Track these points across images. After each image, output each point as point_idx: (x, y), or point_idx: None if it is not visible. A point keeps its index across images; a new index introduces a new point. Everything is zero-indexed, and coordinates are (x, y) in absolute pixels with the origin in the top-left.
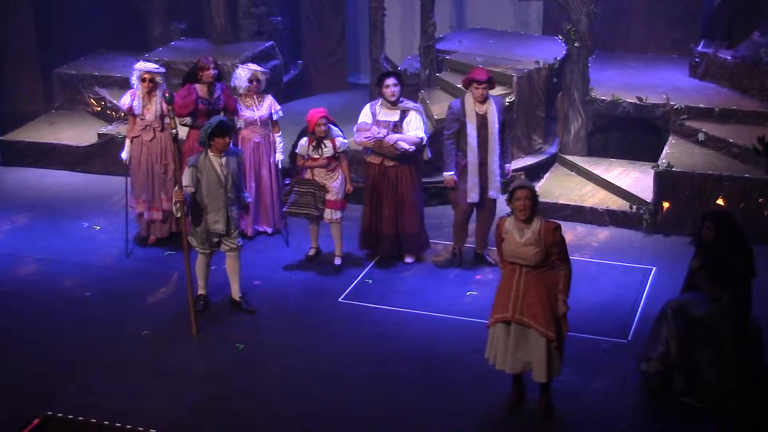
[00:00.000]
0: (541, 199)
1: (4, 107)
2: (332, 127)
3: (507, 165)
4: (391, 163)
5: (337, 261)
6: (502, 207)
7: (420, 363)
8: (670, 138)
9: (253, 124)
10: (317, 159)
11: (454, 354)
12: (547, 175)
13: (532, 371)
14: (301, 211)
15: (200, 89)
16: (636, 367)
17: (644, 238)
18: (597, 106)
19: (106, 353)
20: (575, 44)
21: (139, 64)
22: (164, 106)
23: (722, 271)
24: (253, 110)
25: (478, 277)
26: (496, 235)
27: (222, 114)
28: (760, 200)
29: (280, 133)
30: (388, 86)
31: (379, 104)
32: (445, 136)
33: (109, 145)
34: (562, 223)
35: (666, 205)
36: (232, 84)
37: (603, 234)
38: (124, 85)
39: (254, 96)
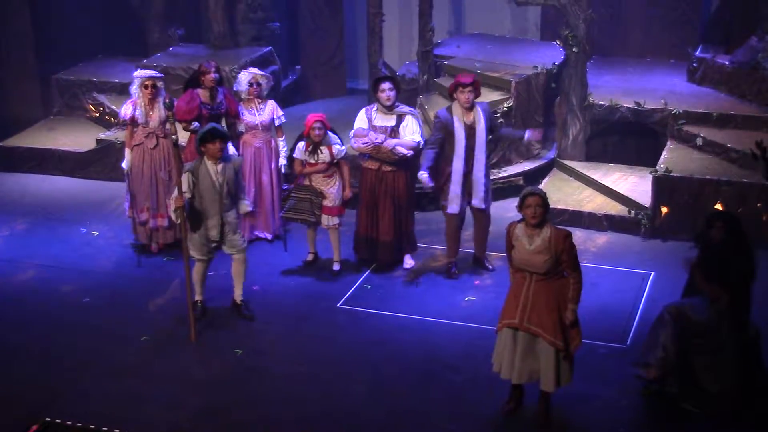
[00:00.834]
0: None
1: (2, 113)
2: (330, 133)
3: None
4: (389, 168)
5: (336, 266)
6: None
7: (418, 368)
8: (669, 143)
9: (254, 128)
10: (314, 165)
11: (452, 359)
12: (545, 180)
13: (540, 380)
14: (298, 217)
15: (203, 94)
16: (634, 375)
17: (642, 243)
18: (595, 111)
19: (105, 359)
20: (573, 49)
21: (138, 72)
22: (165, 111)
23: (725, 272)
24: (254, 115)
25: (476, 282)
26: (506, 241)
27: (225, 118)
28: (758, 205)
29: (283, 138)
30: (383, 90)
31: (374, 109)
32: (429, 141)
33: (107, 151)
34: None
35: (664, 210)
36: (234, 89)
37: (601, 239)
38: (123, 90)
39: (255, 100)
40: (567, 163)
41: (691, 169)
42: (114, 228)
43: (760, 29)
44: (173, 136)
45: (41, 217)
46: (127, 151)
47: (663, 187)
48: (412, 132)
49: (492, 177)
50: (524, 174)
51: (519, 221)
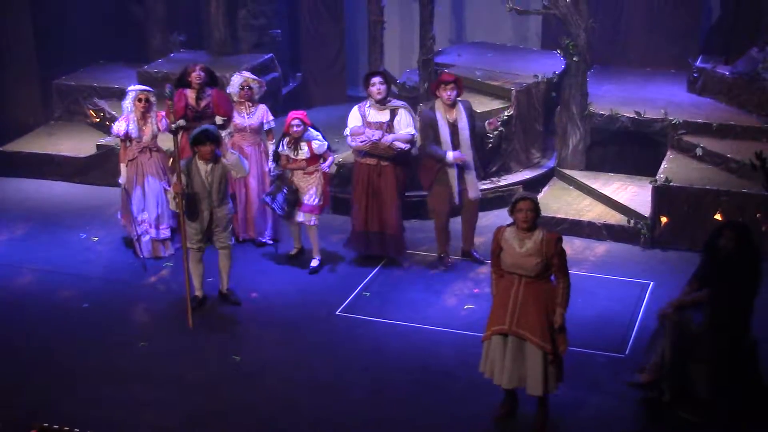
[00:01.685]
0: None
1: (3, 118)
2: (311, 129)
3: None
4: (386, 163)
5: (314, 263)
6: (498, 222)
7: (417, 376)
8: (668, 153)
9: (242, 131)
10: (295, 161)
11: (451, 367)
12: (545, 189)
13: (527, 385)
14: (271, 206)
15: (190, 95)
16: (626, 382)
17: (642, 253)
18: (595, 120)
19: (103, 364)
20: (574, 58)
21: (131, 87)
22: (159, 125)
23: (730, 281)
24: (244, 118)
25: (475, 290)
26: (492, 244)
27: (213, 119)
28: (757, 215)
29: (273, 142)
30: (374, 84)
31: (367, 106)
32: (424, 143)
33: (107, 157)
34: None
35: (664, 219)
36: (227, 90)
37: (601, 248)
38: (123, 96)
39: (246, 103)
40: (567, 172)
41: (691, 179)
42: (113, 233)
43: (760, 40)
44: (172, 125)
45: (41, 222)
46: (122, 167)
47: (663, 196)
48: (406, 125)
49: (492, 185)
50: (524, 183)
51: (508, 225)
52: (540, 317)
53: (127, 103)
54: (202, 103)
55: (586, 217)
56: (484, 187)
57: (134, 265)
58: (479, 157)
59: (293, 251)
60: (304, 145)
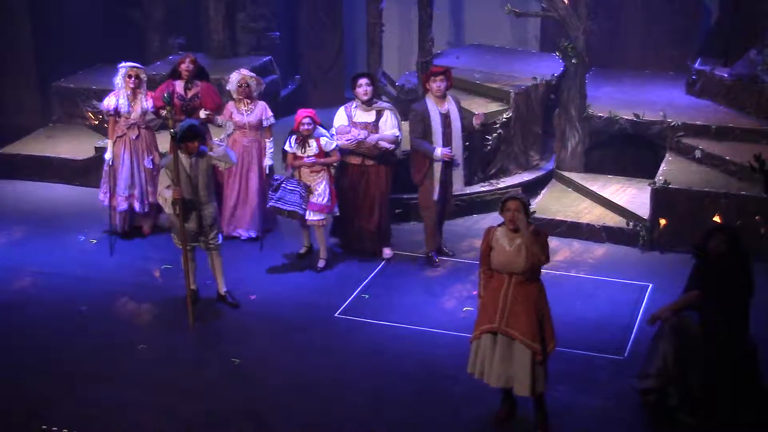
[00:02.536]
0: (537, 215)
1: (1, 120)
2: (319, 128)
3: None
4: (371, 163)
5: (321, 263)
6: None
7: (416, 378)
8: (667, 155)
9: (242, 127)
10: (302, 158)
11: (450, 370)
12: (544, 191)
13: (515, 385)
14: (286, 209)
15: (179, 85)
16: (631, 387)
17: (641, 255)
18: (594, 122)
19: (102, 367)
20: (572, 61)
21: (123, 63)
22: (149, 102)
23: (721, 284)
24: (243, 115)
25: (474, 293)
26: (482, 243)
27: (201, 110)
28: (756, 217)
29: (271, 139)
30: (360, 86)
31: (354, 106)
32: (413, 136)
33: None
34: (558, 239)
35: (663, 222)
36: (227, 88)
37: (599, 250)
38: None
39: (245, 101)
40: (566, 174)
41: (690, 181)
42: (111, 236)
43: (758, 42)
44: (171, 131)
45: (39, 225)
46: (109, 143)
47: (661, 199)
48: (391, 126)
49: (490, 188)
50: (523, 185)
51: (499, 225)
52: (529, 317)
53: (118, 79)
54: (190, 93)
55: (584, 219)
56: (483, 189)
57: (132, 266)
58: (478, 158)
59: (302, 250)
60: (312, 142)
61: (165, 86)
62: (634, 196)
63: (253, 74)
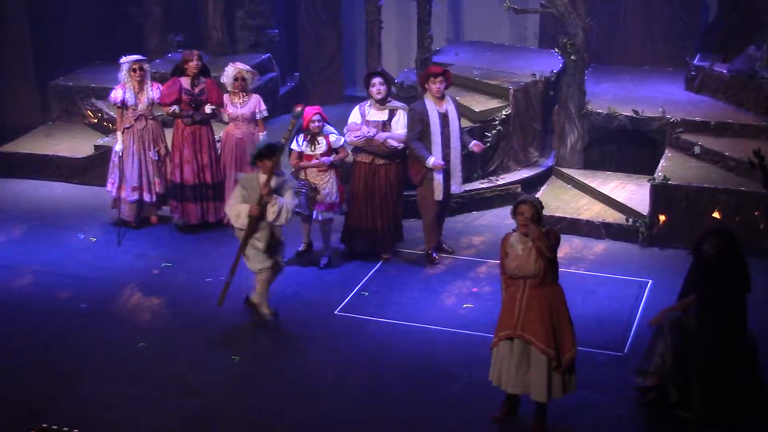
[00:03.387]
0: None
1: (0, 119)
2: (327, 125)
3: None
4: (381, 162)
5: (323, 260)
6: (496, 221)
7: (416, 376)
8: (666, 151)
9: (235, 119)
10: (310, 157)
11: (450, 367)
12: (543, 187)
13: (531, 391)
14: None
15: (185, 81)
16: (634, 385)
17: (640, 251)
18: (593, 119)
19: (102, 365)
20: (572, 57)
21: (124, 58)
22: (155, 93)
23: (717, 285)
24: (237, 107)
25: (474, 289)
26: (500, 251)
27: (208, 104)
28: (755, 213)
29: (264, 132)
30: (374, 85)
31: (368, 105)
32: (410, 137)
33: (105, 157)
34: None
35: (662, 218)
36: (221, 80)
37: (599, 247)
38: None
39: (240, 93)
40: (565, 170)
41: (689, 177)
42: (111, 234)
43: (757, 38)
44: (285, 141)
45: (39, 223)
46: (118, 134)
47: (661, 195)
48: (403, 126)
49: (490, 184)
50: (522, 182)
51: (514, 230)
52: (544, 322)
53: (123, 74)
54: (197, 89)
55: (584, 216)
56: (482, 185)
57: (132, 264)
58: (477, 155)
59: (302, 247)
60: (321, 140)
61: (171, 83)
62: (633, 193)
63: (248, 67)
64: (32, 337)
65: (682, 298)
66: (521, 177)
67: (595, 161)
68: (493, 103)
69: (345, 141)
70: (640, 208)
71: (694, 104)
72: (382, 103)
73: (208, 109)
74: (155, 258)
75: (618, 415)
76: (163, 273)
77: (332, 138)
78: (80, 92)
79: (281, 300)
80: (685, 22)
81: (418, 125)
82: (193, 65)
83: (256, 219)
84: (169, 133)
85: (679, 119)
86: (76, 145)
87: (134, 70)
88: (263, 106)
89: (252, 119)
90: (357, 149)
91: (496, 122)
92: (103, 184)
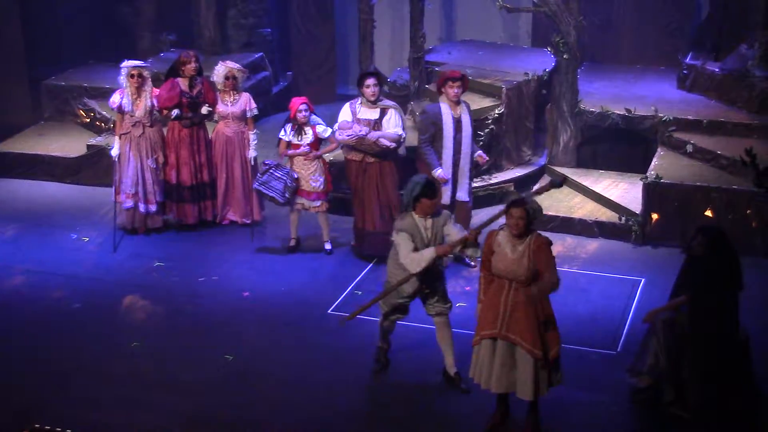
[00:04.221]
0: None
1: None
2: (314, 115)
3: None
4: (371, 160)
5: (327, 246)
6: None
7: (408, 375)
8: (659, 150)
9: (226, 118)
10: (297, 146)
11: (442, 365)
12: (536, 186)
13: (517, 389)
14: (268, 194)
15: (182, 83)
16: (628, 384)
17: (633, 250)
18: (586, 117)
19: (95, 365)
20: (564, 56)
21: (124, 63)
22: (154, 101)
23: (707, 282)
24: (228, 105)
25: (467, 288)
26: (484, 246)
27: (205, 105)
28: (747, 212)
29: (254, 130)
30: (368, 86)
31: (359, 103)
32: (422, 140)
33: (98, 157)
34: (551, 234)
35: (655, 216)
36: (211, 78)
37: (592, 245)
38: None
39: (231, 92)
40: (558, 169)
41: (682, 175)
42: (104, 234)
43: (749, 37)
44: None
45: (31, 223)
46: (116, 139)
47: (653, 193)
48: (394, 125)
49: (483, 183)
50: (515, 180)
51: (501, 228)
52: (530, 322)
53: (122, 78)
54: (195, 91)
55: (577, 215)
56: (475, 185)
57: (125, 264)
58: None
59: (292, 243)
60: (308, 130)
61: (170, 87)
62: (626, 191)
63: (239, 66)
64: (25, 337)
65: (675, 297)
66: (514, 176)
67: (588, 160)
68: (486, 102)
69: (336, 138)
70: (632, 206)
71: (687, 103)
72: (374, 102)
73: (204, 110)
74: (148, 258)
75: (611, 413)
76: (157, 272)
77: (319, 128)
78: (72, 91)
79: (275, 298)
80: (678, 20)
81: (431, 128)
82: (191, 67)
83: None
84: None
85: (671, 118)
86: (68, 144)
87: (132, 76)
88: (253, 105)
89: (242, 117)
90: (348, 147)
91: (489, 121)
92: (96, 184)
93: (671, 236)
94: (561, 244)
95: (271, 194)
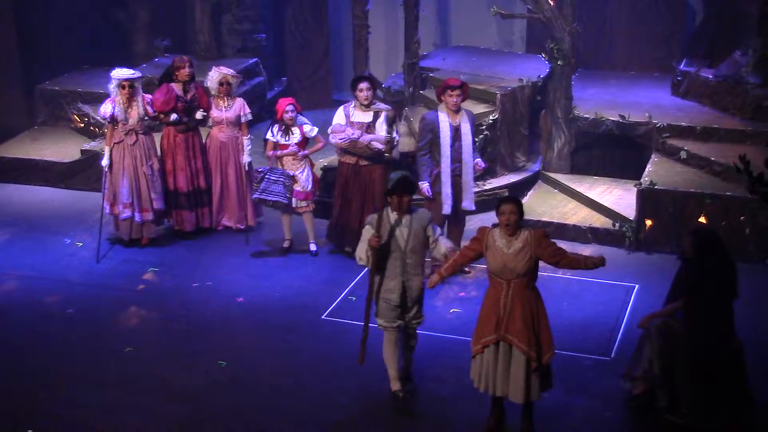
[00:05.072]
0: (524, 217)
1: None
2: (300, 116)
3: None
4: (365, 163)
5: (312, 247)
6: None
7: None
8: (653, 156)
9: (220, 123)
10: (285, 146)
11: (436, 372)
12: (530, 192)
13: (510, 391)
14: (270, 199)
15: (177, 88)
16: (622, 390)
17: (627, 256)
18: (580, 123)
19: (88, 370)
20: (558, 62)
21: (115, 72)
22: (147, 108)
23: (698, 285)
24: (222, 111)
25: (461, 294)
26: (473, 240)
27: (200, 110)
28: (741, 218)
29: (248, 135)
30: (362, 90)
31: (352, 106)
32: (419, 147)
33: (92, 162)
34: None
35: (648, 222)
36: (205, 84)
37: (586, 251)
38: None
39: (225, 97)
40: (552, 175)
41: (675, 182)
42: (98, 239)
43: (743, 43)
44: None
45: (25, 228)
46: (106, 149)
47: (647, 199)
48: (387, 128)
49: (477, 189)
50: (509, 186)
51: (494, 225)
52: (526, 323)
53: (112, 87)
54: (189, 95)
55: (571, 221)
56: None
57: (119, 269)
58: None
59: (286, 244)
60: (295, 130)
61: (165, 91)
62: (620, 197)
63: (232, 72)
64: (18, 342)
65: (669, 303)
66: (508, 182)
67: (582, 166)
68: (480, 108)
69: (330, 141)
70: (626, 212)
71: (681, 109)
72: (367, 106)
73: (199, 114)
74: (142, 263)
75: (604, 418)
76: (151, 278)
77: (306, 128)
78: (67, 96)
79: (269, 304)
80: (672, 27)
81: (428, 135)
82: (185, 72)
83: (382, 253)
84: (156, 139)
85: (665, 124)
86: (62, 149)
87: (122, 87)
88: (248, 110)
89: (236, 123)
90: (342, 150)
91: (483, 127)
92: (90, 189)
93: (665, 242)
94: None
95: (273, 199)
